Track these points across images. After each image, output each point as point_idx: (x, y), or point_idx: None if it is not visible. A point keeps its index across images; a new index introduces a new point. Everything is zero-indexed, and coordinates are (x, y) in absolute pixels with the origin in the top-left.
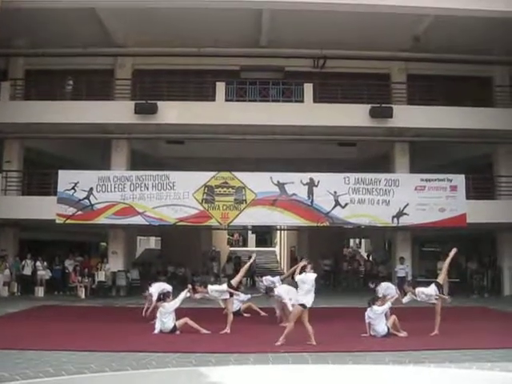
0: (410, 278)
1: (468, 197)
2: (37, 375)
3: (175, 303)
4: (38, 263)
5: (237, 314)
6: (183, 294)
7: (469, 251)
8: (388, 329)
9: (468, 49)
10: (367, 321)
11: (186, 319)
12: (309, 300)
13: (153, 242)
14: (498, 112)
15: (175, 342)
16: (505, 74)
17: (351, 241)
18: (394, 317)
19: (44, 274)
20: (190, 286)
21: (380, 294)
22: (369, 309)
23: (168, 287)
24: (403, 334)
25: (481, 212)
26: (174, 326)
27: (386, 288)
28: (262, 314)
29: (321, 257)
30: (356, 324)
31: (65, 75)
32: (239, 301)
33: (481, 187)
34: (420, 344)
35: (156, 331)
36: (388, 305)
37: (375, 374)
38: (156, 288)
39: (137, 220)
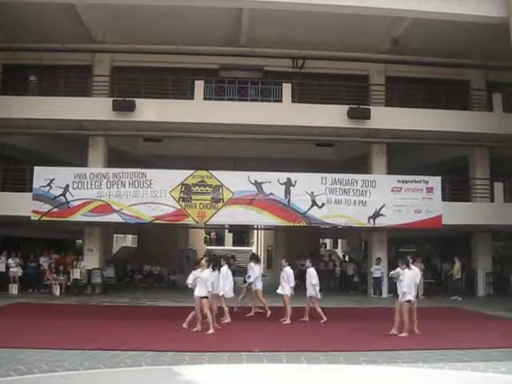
0: (385, 278)
1: (444, 198)
2: (8, 373)
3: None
4: (10, 260)
5: None
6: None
7: (444, 253)
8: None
9: (445, 52)
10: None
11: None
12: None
13: (129, 240)
14: (474, 115)
15: (149, 340)
16: (481, 77)
17: (327, 241)
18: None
19: (16, 270)
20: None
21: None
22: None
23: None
24: (404, 333)
25: (456, 214)
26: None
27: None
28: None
29: (297, 257)
30: (332, 323)
31: (42, 71)
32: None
33: (456, 189)
34: (393, 344)
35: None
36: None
37: (348, 375)
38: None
39: (113, 217)
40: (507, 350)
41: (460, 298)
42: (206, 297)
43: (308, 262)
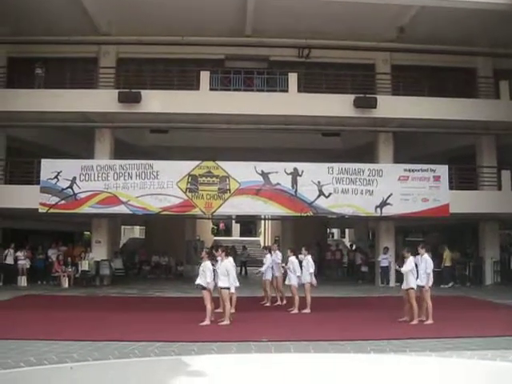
0: (393, 267)
1: (451, 187)
2: (18, 365)
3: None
4: (18, 252)
5: None
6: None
7: (451, 241)
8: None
9: (452, 40)
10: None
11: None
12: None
13: (137, 232)
14: (482, 103)
15: (158, 331)
16: (488, 65)
17: (335, 231)
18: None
19: (24, 263)
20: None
21: None
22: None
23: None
24: (414, 321)
25: (463, 202)
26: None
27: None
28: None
29: (304, 246)
30: (340, 313)
31: (48, 63)
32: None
33: (464, 177)
34: (401, 333)
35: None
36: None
37: (356, 363)
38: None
39: (120, 209)
40: None
41: (449, 286)
42: (205, 288)
43: (303, 250)
